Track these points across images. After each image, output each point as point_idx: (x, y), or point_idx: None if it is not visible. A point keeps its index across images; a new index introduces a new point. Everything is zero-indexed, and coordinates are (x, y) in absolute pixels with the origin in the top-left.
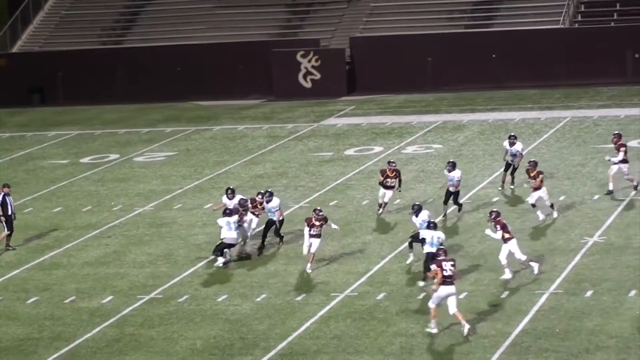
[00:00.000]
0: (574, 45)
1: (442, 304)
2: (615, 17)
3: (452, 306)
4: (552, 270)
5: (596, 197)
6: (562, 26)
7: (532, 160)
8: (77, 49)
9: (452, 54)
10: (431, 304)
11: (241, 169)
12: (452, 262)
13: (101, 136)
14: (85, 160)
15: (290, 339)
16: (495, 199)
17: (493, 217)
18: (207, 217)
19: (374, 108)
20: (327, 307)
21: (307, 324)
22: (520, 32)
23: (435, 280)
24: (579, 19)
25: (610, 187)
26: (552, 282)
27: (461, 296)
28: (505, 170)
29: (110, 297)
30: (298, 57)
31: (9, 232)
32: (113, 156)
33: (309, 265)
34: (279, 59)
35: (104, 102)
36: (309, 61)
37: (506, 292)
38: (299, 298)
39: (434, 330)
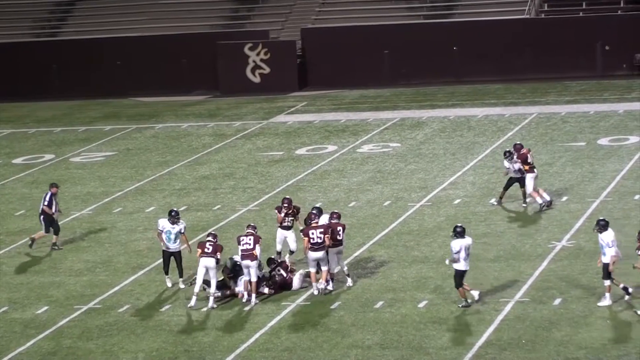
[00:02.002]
0: (540, 37)
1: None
2: (584, 6)
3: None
4: (518, 277)
5: (564, 198)
6: (528, 16)
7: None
8: (8, 41)
9: (411, 46)
10: (311, 269)
11: (185, 169)
12: (321, 230)
13: (35, 135)
14: (18, 160)
15: (238, 351)
16: (457, 201)
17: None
18: (149, 221)
19: (327, 104)
20: (278, 317)
21: (257, 335)
22: (483, 23)
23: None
24: (545, 8)
25: (545, 198)
26: (518, 289)
27: (421, 305)
28: (506, 187)
29: (45, 308)
30: (246, 50)
31: (47, 233)
32: (48, 156)
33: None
34: (225, 52)
35: (38, 99)
36: (258, 54)
37: (469, 301)
38: (247, 307)
39: (316, 292)
